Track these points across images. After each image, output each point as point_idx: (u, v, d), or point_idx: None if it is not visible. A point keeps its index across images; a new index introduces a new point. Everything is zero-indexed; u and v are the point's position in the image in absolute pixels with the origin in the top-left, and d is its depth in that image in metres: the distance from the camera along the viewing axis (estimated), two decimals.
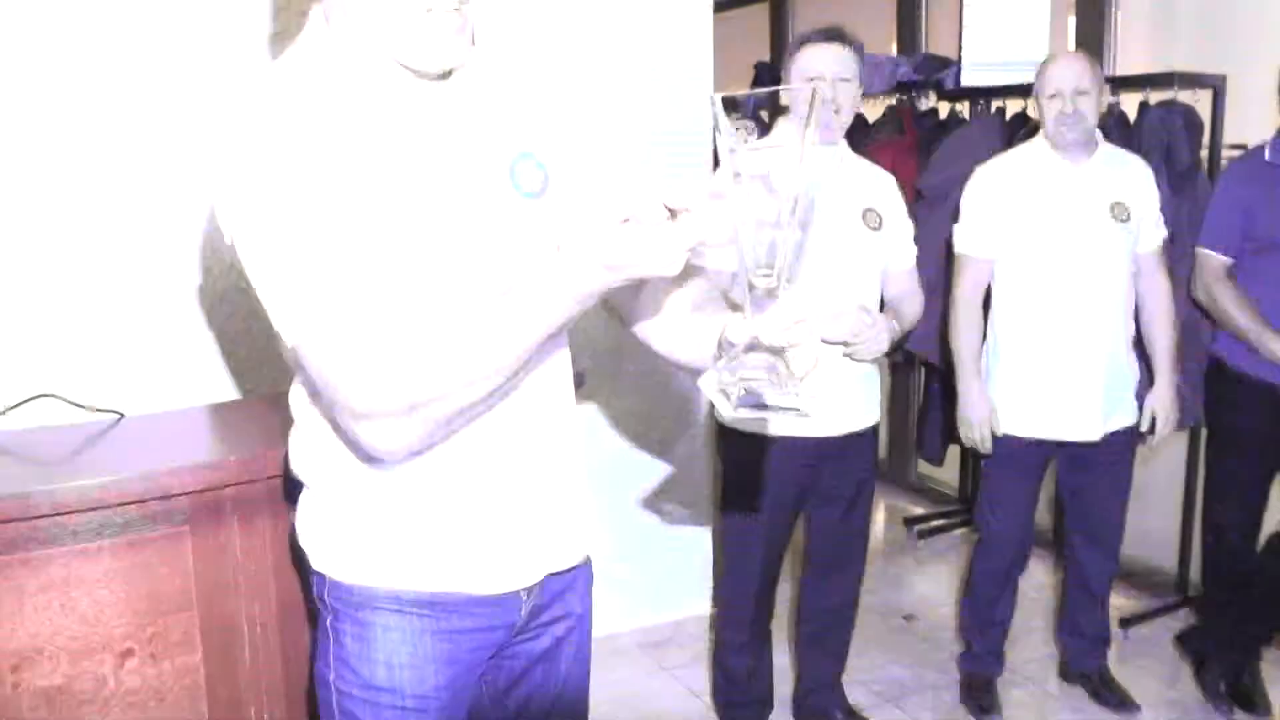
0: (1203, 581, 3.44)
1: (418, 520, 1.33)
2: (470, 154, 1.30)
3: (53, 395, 2.14)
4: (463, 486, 1.33)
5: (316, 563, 1.39)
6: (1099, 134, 3.02)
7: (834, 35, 2.65)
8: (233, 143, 1.18)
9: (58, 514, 1.77)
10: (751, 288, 1.03)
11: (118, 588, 1.85)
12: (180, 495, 1.86)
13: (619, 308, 1.45)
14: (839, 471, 2.75)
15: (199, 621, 1.93)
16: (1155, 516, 4.05)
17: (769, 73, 5.52)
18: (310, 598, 1.43)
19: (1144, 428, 3.08)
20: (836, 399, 2.65)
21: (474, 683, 1.44)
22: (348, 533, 1.36)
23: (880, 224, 2.70)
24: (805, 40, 2.67)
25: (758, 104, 4.54)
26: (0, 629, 1.78)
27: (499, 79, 1.37)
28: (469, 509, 1.34)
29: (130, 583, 1.86)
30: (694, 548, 3.72)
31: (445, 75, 1.29)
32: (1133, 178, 3.02)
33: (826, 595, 2.92)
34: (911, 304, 2.81)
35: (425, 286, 1.23)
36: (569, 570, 1.47)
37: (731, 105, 0.97)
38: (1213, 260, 3.17)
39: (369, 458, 1.27)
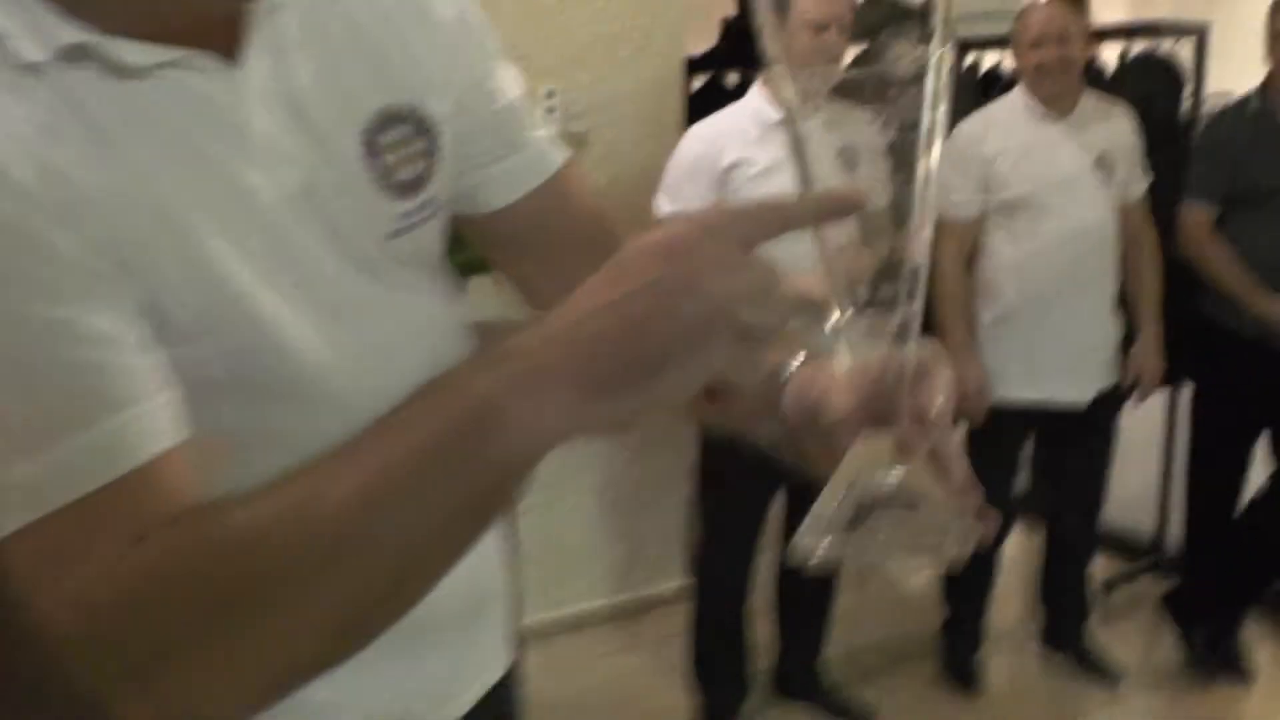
0: (1185, 543, 3.38)
1: None
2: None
3: None
4: None
5: None
6: (1083, 81, 2.92)
7: None
8: None
9: None
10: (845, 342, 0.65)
11: None
12: None
13: None
14: None
15: None
16: (1133, 477, 3.99)
17: (736, 31, 5.37)
18: None
19: (1127, 383, 2.99)
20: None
21: None
22: None
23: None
24: None
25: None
26: None
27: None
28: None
29: None
30: (668, 518, 3.61)
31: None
32: (1116, 127, 2.95)
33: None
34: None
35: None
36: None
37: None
38: (1198, 214, 3.09)
39: None
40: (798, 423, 0.76)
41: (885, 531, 0.65)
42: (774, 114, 2.28)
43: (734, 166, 2.44)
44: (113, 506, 0.62)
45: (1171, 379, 3.51)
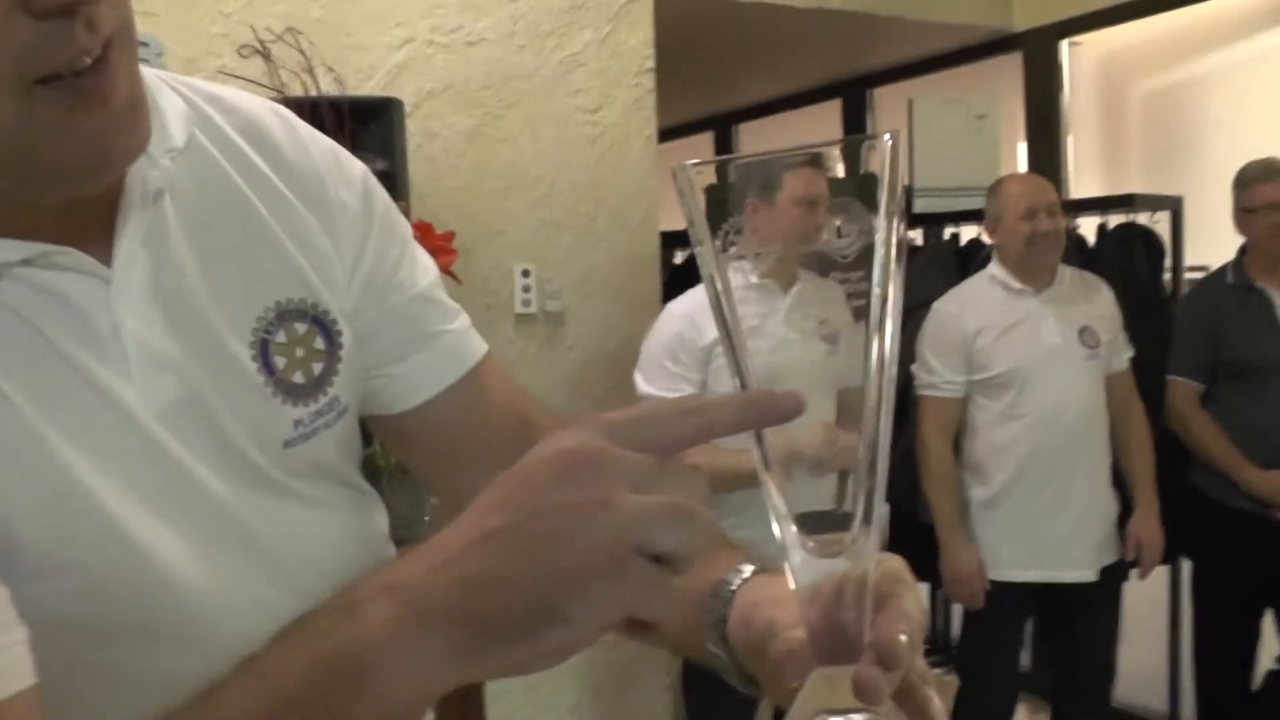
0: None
1: None
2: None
3: None
4: None
5: None
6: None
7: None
8: None
9: None
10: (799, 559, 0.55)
11: None
12: None
13: None
14: None
15: None
16: (1142, 654, 3.85)
17: (719, 199, 5.43)
18: None
19: (1129, 557, 2.88)
20: None
21: None
22: None
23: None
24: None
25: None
26: None
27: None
28: None
29: None
30: (654, 703, 3.44)
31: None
32: (1096, 300, 2.91)
33: None
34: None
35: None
36: None
37: (719, 201, 0.56)
38: (1184, 387, 3.06)
39: None
40: (744, 648, 0.65)
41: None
42: (753, 279, 2.26)
43: (717, 343, 2.40)
44: None
45: (1170, 554, 3.42)
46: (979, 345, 2.79)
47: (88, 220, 0.65)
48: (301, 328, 0.74)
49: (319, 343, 0.75)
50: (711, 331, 2.38)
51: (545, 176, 3.32)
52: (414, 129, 3.04)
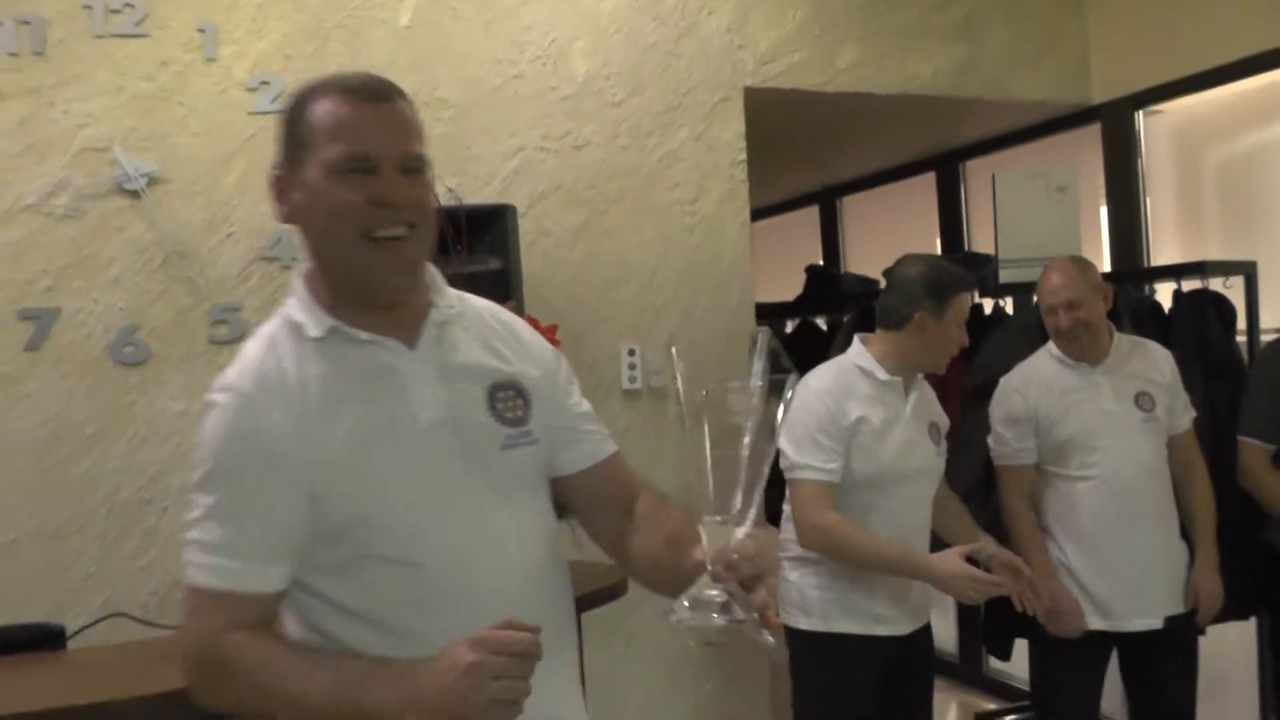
0: None
1: None
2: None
3: (123, 614, 2.30)
4: None
5: None
6: (1111, 326, 3.09)
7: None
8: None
9: None
10: (711, 529, 1.22)
11: None
12: None
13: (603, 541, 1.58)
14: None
15: None
16: (1236, 709, 3.95)
17: (819, 276, 5.73)
18: None
19: (1187, 608, 3.04)
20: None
21: None
22: None
23: (941, 434, 2.85)
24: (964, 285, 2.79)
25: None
26: None
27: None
28: None
29: None
30: None
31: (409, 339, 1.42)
32: (1153, 365, 3.08)
33: None
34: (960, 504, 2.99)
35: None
36: None
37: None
38: (1255, 448, 3.17)
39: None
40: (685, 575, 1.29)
41: (715, 613, 1.20)
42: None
43: (858, 423, 2.67)
44: (223, 605, 1.32)
45: (1252, 609, 3.54)
46: (1042, 416, 3.02)
47: (404, 329, 1.41)
48: (510, 392, 1.47)
49: (519, 400, 1.47)
50: (853, 411, 2.66)
51: (648, 264, 3.68)
52: (527, 227, 3.42)
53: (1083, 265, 3.08)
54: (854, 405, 2.68)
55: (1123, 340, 3.09)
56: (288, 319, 1.42)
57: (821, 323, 5.39)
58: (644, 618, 3.41)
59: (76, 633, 2.26)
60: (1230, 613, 3.37)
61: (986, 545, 2.77)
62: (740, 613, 1.19)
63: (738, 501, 1.19)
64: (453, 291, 1.48)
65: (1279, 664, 3.30)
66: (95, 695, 2.00)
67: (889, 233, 6.12)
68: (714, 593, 1.20)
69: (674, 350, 1.30)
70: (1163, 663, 3.06)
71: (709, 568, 1.21)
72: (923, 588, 2.75)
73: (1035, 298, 3.18)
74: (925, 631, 2.85)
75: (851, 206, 6.48)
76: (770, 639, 1.21)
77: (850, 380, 2.73)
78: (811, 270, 5.91)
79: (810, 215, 6.70)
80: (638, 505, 1.53)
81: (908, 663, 2.79)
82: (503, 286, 3.04)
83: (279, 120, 1.43)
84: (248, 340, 1.43)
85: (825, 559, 2.67)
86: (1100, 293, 3.03)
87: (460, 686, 1.19)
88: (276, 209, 1.43)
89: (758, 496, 1.20)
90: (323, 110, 1.38)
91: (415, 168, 1.39)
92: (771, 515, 2.98)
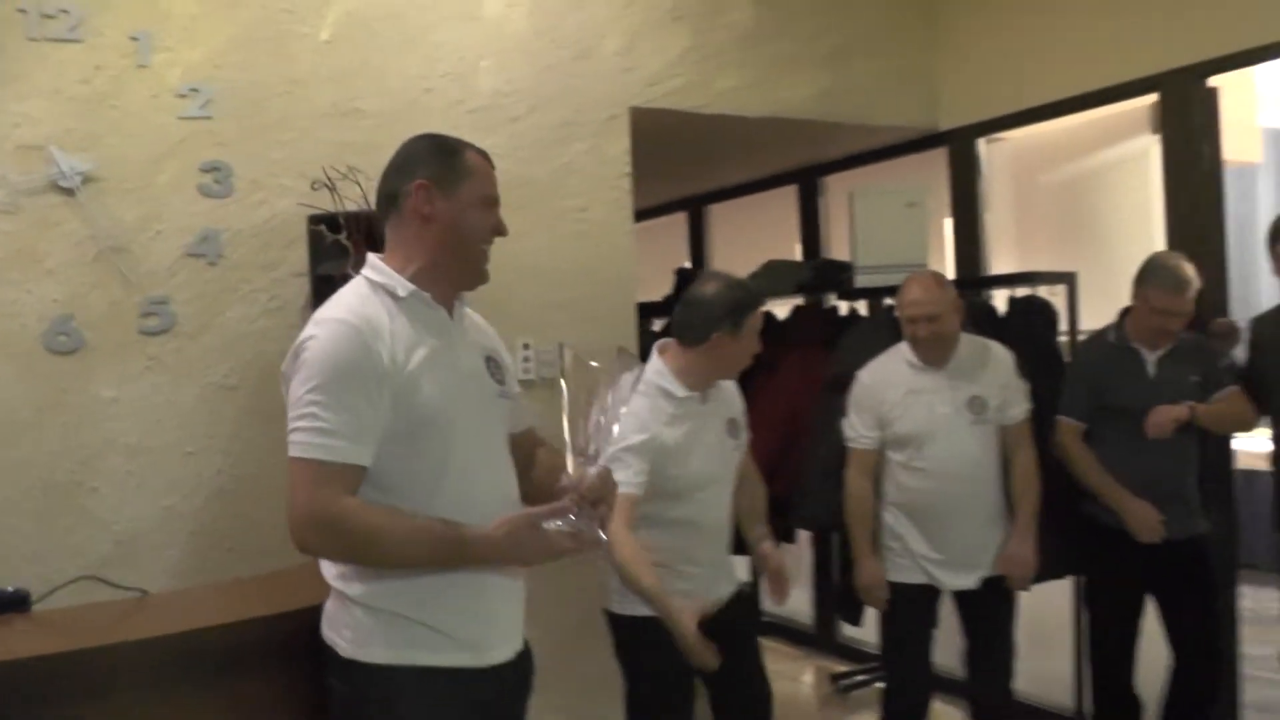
0: (1095, 709, 3.86)
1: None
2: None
3: (94, 577, 2.52)
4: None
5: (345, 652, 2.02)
6: (959, 333, 3.54)
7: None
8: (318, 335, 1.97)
9: None
10: (574, 464, 1.92)
11: None
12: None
13: None
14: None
15: None
16: (1054, 658, 4.48)
17: (689, 279, 6.12)
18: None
19: (995, 572, 3.51)
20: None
21: None
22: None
23: (738, 430, 3.10)
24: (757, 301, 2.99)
25: None
26: None
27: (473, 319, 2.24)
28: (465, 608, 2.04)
29: None
30: None
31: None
32: (991, 369, 3.56)
33: None
34: (754, 482, 3.22)
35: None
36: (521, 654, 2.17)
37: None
38: (1068, 425, 3.70)
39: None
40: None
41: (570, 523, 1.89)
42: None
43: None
44: (342, 476, 1.89)
45: (1071, 571, 4.07)
46: (888, 410, 3.48)
47: (447, 305, 2.07)
48: (494, 363, 2.15)
49: (499, 369, 2.16)
50: (660, 435, 2.90)
51: (543, 266, 3.99)
52: None
53: (941, 281, 3.53)
54: (659, 428, 2.87)
55: (967, 344, 3.54)
56: (374, 281, 2.04)
57: None
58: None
59: (43, 597, 2.46)
60: (1051, 573, 3.91)
61: (761, 532, 3.13)
62: (584, 525, 1.90)
63: (592, 448, 1.89)
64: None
65: (1091, 618, 3.80)
66: (64, 646, 2.24)
67: (753, 239, 6.57)
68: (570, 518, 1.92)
69: (562, 346, 2.07)
70: (984, 616, 3.56)
71: (570, 487, 1.92)
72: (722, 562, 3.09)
73: (895, 305, 3.61)
74: (740, 596, 3.12)
75: (719, 214, 6.90)
76: (604, 536, 1.95)
77: (655, 403, 2.91)
78: (680, 273, 6.31)
79: (679, 221, 7.10)
80: (538, 452, 2.28)
81: (728, 629, 2.95)
82: None
83: (433, 148, 2.08)
84: (343, 289, 2.06)
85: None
86: (956, 308, 3.49)
87: (524, 536, 1.93)
88: (417, 206, 2.04)
89: (605, 444, 1.92)
90: (475, 160, 2.08)
91: None
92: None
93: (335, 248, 3.15)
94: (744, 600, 3.19)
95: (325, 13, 3.61)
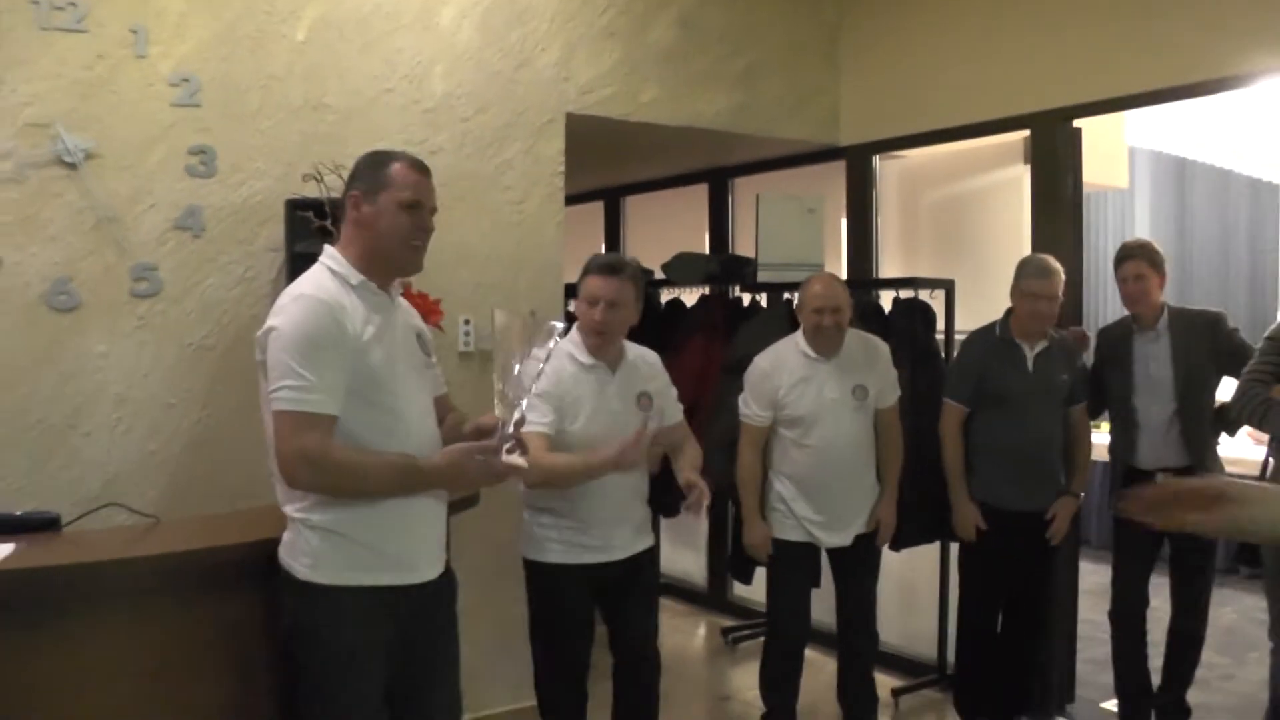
0: (957, 660, 4.49)
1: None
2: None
3: (118, 504, 2.95)
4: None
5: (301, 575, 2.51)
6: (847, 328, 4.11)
7: (612, 268, 3.32)
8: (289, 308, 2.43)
9: None
10: (499, 406, 2.46)
11: None
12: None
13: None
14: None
15: None
16: (920, 614, 5.11)
17: None
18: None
19: (868, 529, 4.12)
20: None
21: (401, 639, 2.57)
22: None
23: (651, 402, 3.47)
24: (588, 270, 3.35)
25: None
26: None
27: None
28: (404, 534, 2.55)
29: None
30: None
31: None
32: (871, 361, 4.13)
33: None
34: (689, 443, 3.58)
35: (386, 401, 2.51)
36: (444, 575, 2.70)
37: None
38: (953, 408, 4.29)
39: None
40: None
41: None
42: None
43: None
44: (320, 424, 2.38)
45: (943, 538, 4.69)
46: (781, 393, 4.02)
47: (386, 287, 2.58)
48: (423, 340, 2.71)
49: (425, 344, 2.72)
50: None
51: (482, 251, 4.47)
52: None
53: (841, 281, 4.11)
54: (562, 385, 3.30)
55: (854, 337, 4.11)
56: (332, 270, 2.53)
57: None
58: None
59: (72, 520, 2.87)
60: (924, 538, 4.53)
61: (693, 474, 3.43)
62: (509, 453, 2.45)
63: (511, 393, 2.41)
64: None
65: (961, 578, 4.42)
66: (94, 557, 2.68)
67: (665, 231, 7.09)
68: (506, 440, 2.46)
69: (494, 310, 2.49)
70: (853, 568, 4.15)
71: (499, 428, 2.45)
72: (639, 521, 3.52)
73: (796, 299, 4.17)
74: (639, 557, 3.49)
75: (634, 205, 7.41)
76: (524, 462, 2.47)
77: (562, 364, 3.32)
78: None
79: (596, 209, 7.59)
80: (449, 415, 2.78)
81: (630, 584, 3.45)
82: None
83: (368, 162, 2.56)
84: (308, 272, 2.55)
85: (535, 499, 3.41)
86: (850, 304, 4.05)
87: (465, 463, 2.44)
88: (350, 212, 2.55)
89: (521, 390, 2.42)
90: (399, 171, 2.54)
91: (434, 211, 2.61)
92: None
93: (318, 230, 3.59)
94: (650, 562, 3.61)
95: (301, 15, 4.02)
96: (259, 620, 2.78)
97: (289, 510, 2.53)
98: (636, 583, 3.50)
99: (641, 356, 3.54)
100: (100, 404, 3.67)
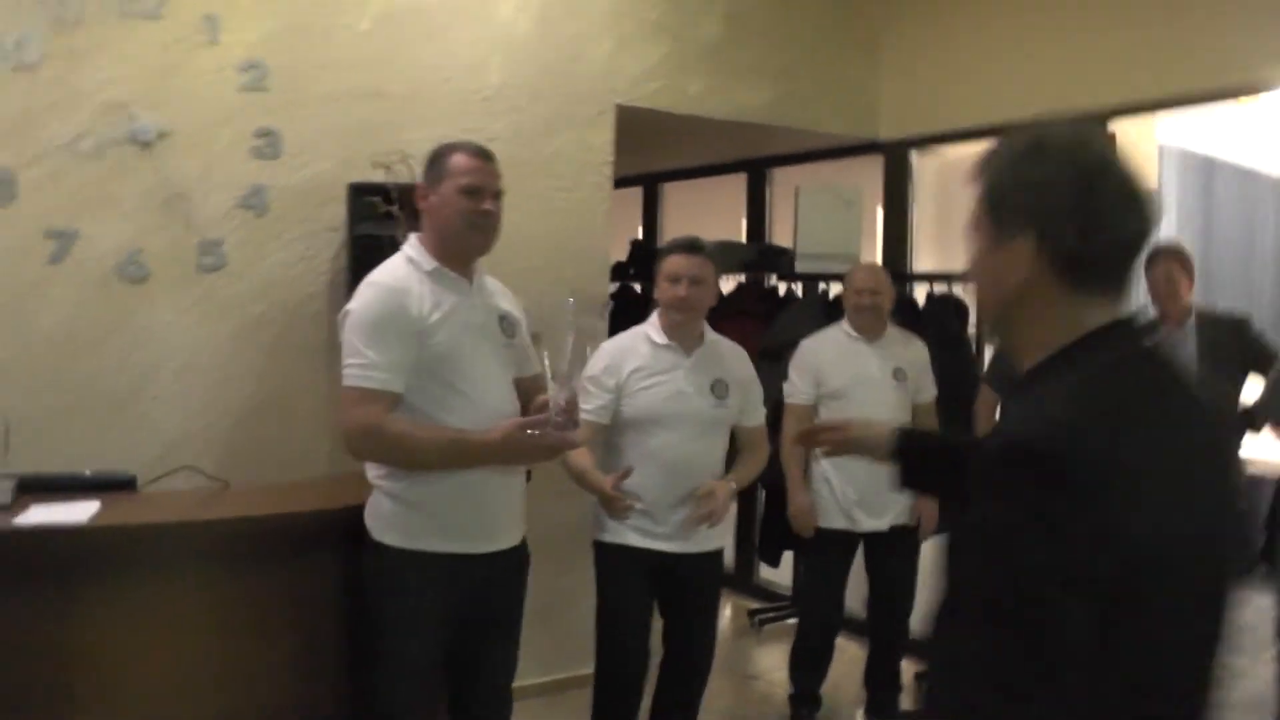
0: None
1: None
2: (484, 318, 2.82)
3: (192, 467, 3.14)
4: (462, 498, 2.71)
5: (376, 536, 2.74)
6: (889, 320, 4.28)
7: (693, 246, 3.39)
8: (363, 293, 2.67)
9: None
10: (553, 388, 2.57)
11: None
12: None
13: None
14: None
15: None
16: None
17: (641, 249, 6.79)
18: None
19: (911, 522, 4.28)
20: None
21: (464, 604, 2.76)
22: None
23: (727, 393, 3.40)
24: (669, 250, 3.41)
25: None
26: None
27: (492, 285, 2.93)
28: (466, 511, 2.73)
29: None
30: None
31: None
32: (911, 353, 4.30)
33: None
34: (756, 454, 3.54)
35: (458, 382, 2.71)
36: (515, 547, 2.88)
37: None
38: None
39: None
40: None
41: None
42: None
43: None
44: (381, 399, 2.62)
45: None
46: (824, 371, 4.18)
47: (468, 273, 2.81)
48: (507, 322, 2.88)
49: (510, 325, 2.89)
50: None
51: (533, 236, 4.61)
52: None
53: (884, 270, 4.32)
54: (626, 364, 3.34)
55: (894, 331, 4.28)
56: (410, 258, 2.75)
57: (637, 287, 6.43)
58: None
59: (149, 482, 3.06)
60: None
61: (728, 478, 3.46)
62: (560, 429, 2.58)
63: (570, 369, 2.55)
64: (481, 264, 2.87)
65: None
66: (171, 518, 2.86)
67: (702, 219, 7.20)
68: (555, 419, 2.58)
69: (570, 299, 2.72)
70: (889, 560, 4.28)
71: (551, 403, 2.56)
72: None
73: (843, 285, 4.33)
74: (714, 555, 3.52)
75: (672, 191, 7.54)
76: (575, 438, 2.67)
77: (633, 343, 3.41)
78: (634, 243, 6.97)
79: (634, 194, 7.71)
80: (537, 397, 2.75)
81: (695, 585, 3.46)
82: None
83: (432, 155, 2.72)
84: (390, 259, 2.80)
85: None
86: (892, 293, 4.25)
87: (515, 437, 2.59)
88: (421, 205, 2.69)
89: (578, 373, 2.60)
90: (458, 160, 2.75)
91: (498, 195, 2.74)
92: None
93: (380, 214, 3.75)
94: (715, 561, 3.53)
95: (367, 6, 4.18)
96: (323, 583, 2.97)
97: (370, 476, 2.74)
98: (704, 583, 3.50)
99: (730, 348, 3.53)
100: (164, 372, 3.85)
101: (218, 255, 3.92)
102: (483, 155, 2.78)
